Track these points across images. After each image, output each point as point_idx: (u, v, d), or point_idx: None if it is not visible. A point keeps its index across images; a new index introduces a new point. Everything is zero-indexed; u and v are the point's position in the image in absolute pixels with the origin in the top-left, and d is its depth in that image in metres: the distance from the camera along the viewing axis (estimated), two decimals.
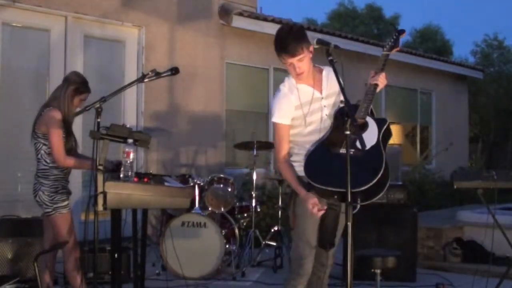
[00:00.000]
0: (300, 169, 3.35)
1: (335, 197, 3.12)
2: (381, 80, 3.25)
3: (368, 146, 3.05)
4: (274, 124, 3.40)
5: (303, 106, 3.35)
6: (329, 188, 3.08)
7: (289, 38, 3.23)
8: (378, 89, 3.26)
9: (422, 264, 5.91)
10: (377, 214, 5.55)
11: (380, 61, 3.27)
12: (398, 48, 3.29)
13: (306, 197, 3.18)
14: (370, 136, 3.18)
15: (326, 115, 3.38)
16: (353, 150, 2.99)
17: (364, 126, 3.21)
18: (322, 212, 3.14)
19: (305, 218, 3.33)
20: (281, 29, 3.32)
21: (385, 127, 3.24)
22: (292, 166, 3.35)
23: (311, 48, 3.28)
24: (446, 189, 10.47)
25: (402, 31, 3.30)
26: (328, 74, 3.44)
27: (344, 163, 2.86)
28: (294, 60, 3.25)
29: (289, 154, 3.40)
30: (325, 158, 3.20)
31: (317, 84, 3.40)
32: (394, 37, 3.26)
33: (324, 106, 3.39)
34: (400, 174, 6.65)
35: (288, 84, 3.41)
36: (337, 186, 3.03)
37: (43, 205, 4.00)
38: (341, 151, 3.10)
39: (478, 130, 17.81)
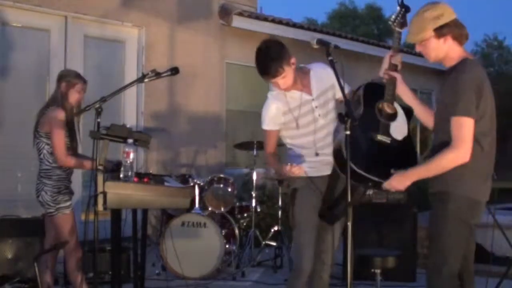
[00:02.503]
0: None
1: (369, 184, 3.15)
2: (399, 60, 3.23)
3: (400, 137, 3.17)
4: (264, 130, 3.54)
5: (293, 110, 3.41)
6: (372, 178, 3.13)
7: (267, 60, 3.29)
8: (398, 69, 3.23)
9: (422, 264, 5.90)
10: (377, 214, 5.55)
11: (394, 40, 3.25)
12: (407, 26, 3.24)
13: (280, 168, 3.33)
14: (402, 126, 3.24)
15: (319, 115, 3.43)
16: (389, 139, 3.12)
17: (395, 114, 3.23)
18: (298, 171, 3.20)
19: (304, 217, 3.40)
20: (259, 51, 3.34)
21: (411, 117, 3.29)
22: (275, 155, 3.55)
23: (292, 61, 3.34)
24: None
25: (407, 9, 3.24)
26: (316, 73, 3.48)
27: (379, 151, 3.02)
28: (277, 80, 3.32)
29: (276, 153, 3.56)
30: (362, 141, 3.18)
31: (306, 87, 3.45)
32: (402, 13, 3.21)
33: (316, 106, 3.43)
34: None
35: (275, 92, 3.47)
36: (377, 176, 3.10)
37: (46, 205, 4.00)
38: (379, 138, 3.15)
39: None
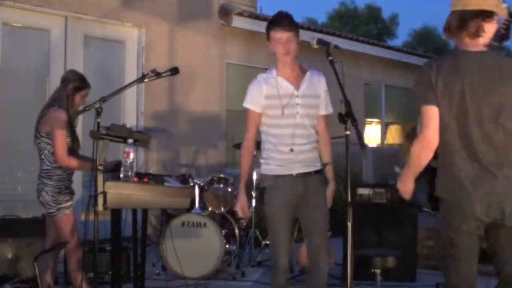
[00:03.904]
0: (267, 167, 3.52)
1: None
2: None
3: None
4: (245, 108, 3.62)
5: (281, 97, 3.46)
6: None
7: (285, 17, 3.47)
8: None
9: (422, 264, 5.91)
10: (377, 214, 5.55)
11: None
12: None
13: (240, 198, 3.56)
14: None
15: (298, 113, 3.47)
16: None
17: None
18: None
19: (274, 216, 3.48)
20: (277, 12, 3.55)
21: None
22: (251, 156, 3.61)
23: (299, 40, 3.48)
24: None
25: None
26: (312, 77, 3.56)
27: None
28: (285, 36, 3.41)
29: (254, 140, 3.66)
30: None
31: (297, 82, 3.51)
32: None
33: (297, 104, 3.47)
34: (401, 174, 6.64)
35: (266, 74, 3.56)
36: None
37: (47, 206, 4.00)
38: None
39: None
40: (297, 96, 3.47)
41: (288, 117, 3.45)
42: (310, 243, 3.55)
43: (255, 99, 3.54)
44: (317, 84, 3.55)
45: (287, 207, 3.47)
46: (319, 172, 3.56)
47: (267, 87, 3.49)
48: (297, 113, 3.46)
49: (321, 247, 3.52)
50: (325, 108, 3.57)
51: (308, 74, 3.54)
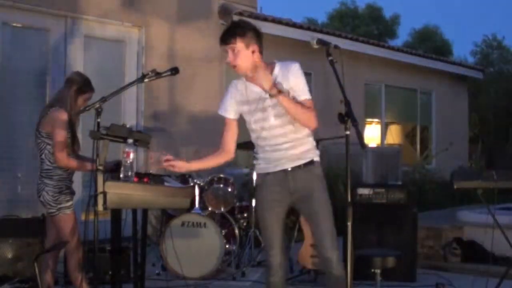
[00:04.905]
0: (258, 166, 3.55)
1: None
2: None
3: None
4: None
5: (251, 103, 3.48)
6: None
7: (228, 28, 3.50)
8: None
9: (422, 264, 5.91)
10: (377, 214, 5.55)
11: None
12: None
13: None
14: None
15: (272, 114, 3.42)
16: None
17: None
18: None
19: (263, 213, 3.47)
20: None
21: None
22: (213, 157, 3.94)
23: (252, 47, 3.38)
24: (446, 189, 10.47)
25: None
26: (280, 70, 3.40)
27: None
28: (225, 48, 3.45)
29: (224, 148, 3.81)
30: None
31: None
32: None
33: (269, 106, 3.41)
34: (400, 174, 6.65)
35: (237, 80, 3.54)
36: None
37: (47, 205, 3.99)
38: None
39: (478, 130, 17.81)
40: (267, 98, 3.39)
41: (261, 121, 3.44)
42: (317, 241, 3.44)
43: (225, 105, 3.63)
44: (286, 76, 3.37)
45: (276, 203, 3.42)
46: (311, 164, 3.43)
47: (238, 94, 3.51)
48: (271, 114, 3.41)
49: (321, 235, 3.35)
50: (301, 94, 3.36)
51: (276, 69, 3.41)
